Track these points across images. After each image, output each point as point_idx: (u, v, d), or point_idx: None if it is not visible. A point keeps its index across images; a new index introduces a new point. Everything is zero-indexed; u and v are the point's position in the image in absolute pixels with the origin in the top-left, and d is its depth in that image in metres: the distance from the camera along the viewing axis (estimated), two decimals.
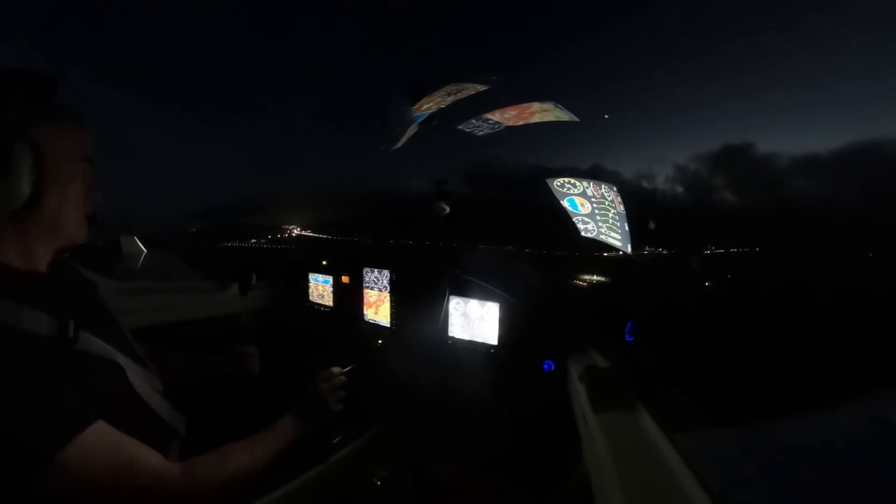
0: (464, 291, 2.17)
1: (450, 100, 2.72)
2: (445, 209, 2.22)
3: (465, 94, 2.68)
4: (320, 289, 2.77)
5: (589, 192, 2.07)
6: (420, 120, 2.87)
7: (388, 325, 2.44)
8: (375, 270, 2.48)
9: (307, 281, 2.83)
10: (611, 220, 2.03)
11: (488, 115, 2.71)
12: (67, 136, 0.89)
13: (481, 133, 2.83)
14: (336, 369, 1.34)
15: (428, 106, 2.77)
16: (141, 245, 3.51)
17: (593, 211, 2.06)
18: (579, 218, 2.11)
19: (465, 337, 2.18)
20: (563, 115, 2.59)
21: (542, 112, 2.61)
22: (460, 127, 2.81)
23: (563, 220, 2.17)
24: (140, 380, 0.94)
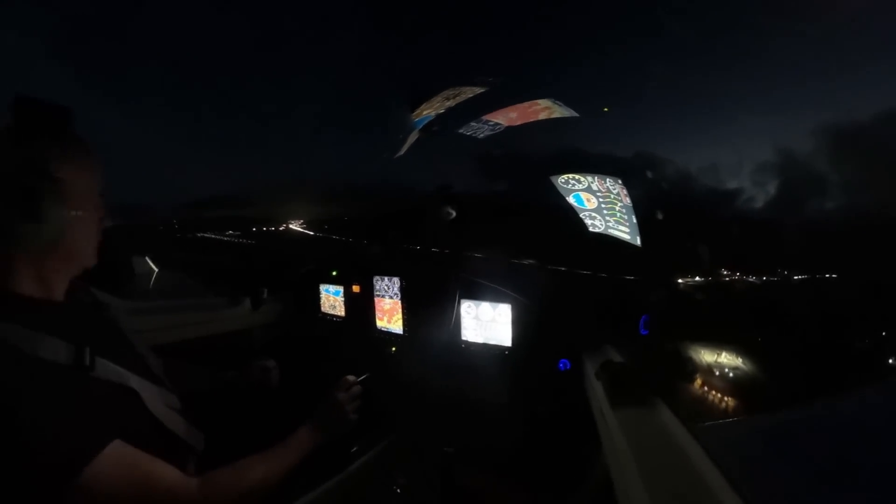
0: (475, 294, 2.16)
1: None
2: (451, 214, 2.22)
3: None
4: (331, 300, 2.78)
5: (594, 187, 2.05)
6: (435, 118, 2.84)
7: (401, 332, 2.44)
8: (385, 278, 2.48)
9: (318, 293, 2.84)
10: (618, 214, 2.01)
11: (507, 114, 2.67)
12: (87, 171, 0.91)
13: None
14: (351, 378, 1.34)
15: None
16: (152, 264, 3.56)
17: (600, 206, 2.05)
18: (586, 214, 2.09)
19: (479, 340, 2.17)
20: (563, 112, 2.57)
21: (543, 110, 2.60)
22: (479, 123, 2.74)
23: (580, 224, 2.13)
24: (155, 400, 0.95)
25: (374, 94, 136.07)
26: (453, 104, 2.66)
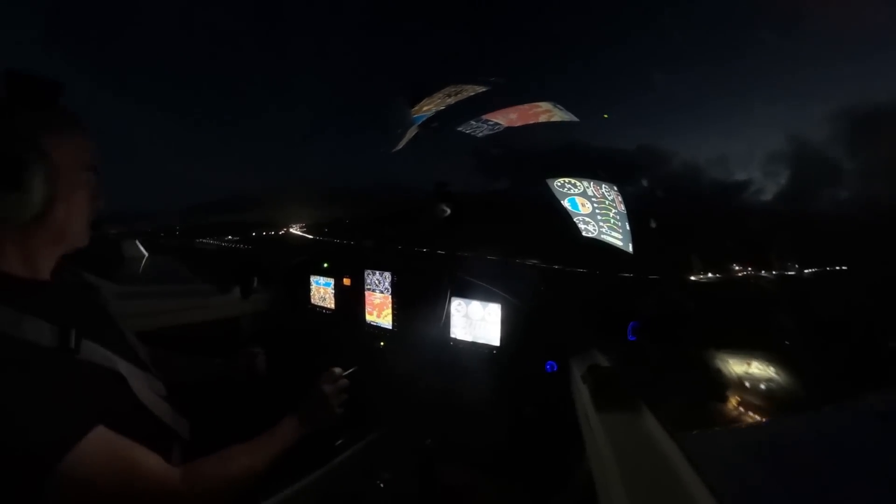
0: (465, 293, 2.17)
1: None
2: (446, 211, 2.22)
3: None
4: (322, 291, 2.77)
5: (589, 192, 2.07)
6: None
7: (390, 326, 2.44)
8: (377, 272, 2.48)
9: (308, 284, 2.83)
10: (612, 220, 2.03)
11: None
12: (75, 145, 0.89)
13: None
14: (337, 371, 1.34)
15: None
16: (142, 248, 3.51)
17: (594, 211, 2.06)
18: (580, 218, 2.11)
19: (467, 338, 2.17)
20: (563, 116, 2.58)
21: (543, 113, 2.61)
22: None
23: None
24: (141, 385, 0.94)
25: (373, 96, 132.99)
26: (453, 102, 2.65)
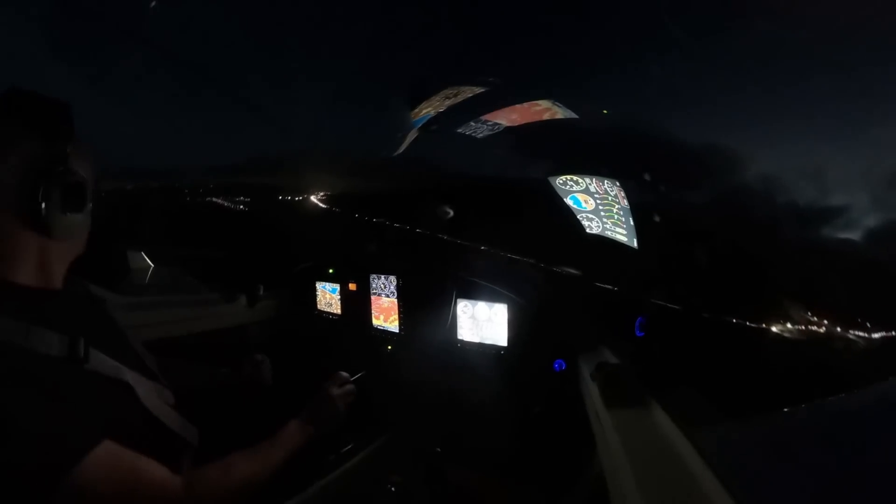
0: (471, 294, 2.16)
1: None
2: (449, 213, 2.22)
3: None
4: (328, 297, 2.78)
5: (592, 189, 2.06)
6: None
7: (397, 330, 2.44)
8: (382, 276, 2.48)
9: (314, 290, 2.83)
10: (615, 216, 2.01)
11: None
12: (91, 164, 0.94)
13: None
14: (344, 375, 1.34)
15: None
16: (148, 259, 3.52)
17: (597, 207, 2.05)
18: (583, 215, 2.10)
19: (475, 339, 2.17)
20: (564, 114, 2.56)
21: (544, 111, 2.58)
22: None
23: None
24: (150, 395, 0.94)
25: (392, 75, 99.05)
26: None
